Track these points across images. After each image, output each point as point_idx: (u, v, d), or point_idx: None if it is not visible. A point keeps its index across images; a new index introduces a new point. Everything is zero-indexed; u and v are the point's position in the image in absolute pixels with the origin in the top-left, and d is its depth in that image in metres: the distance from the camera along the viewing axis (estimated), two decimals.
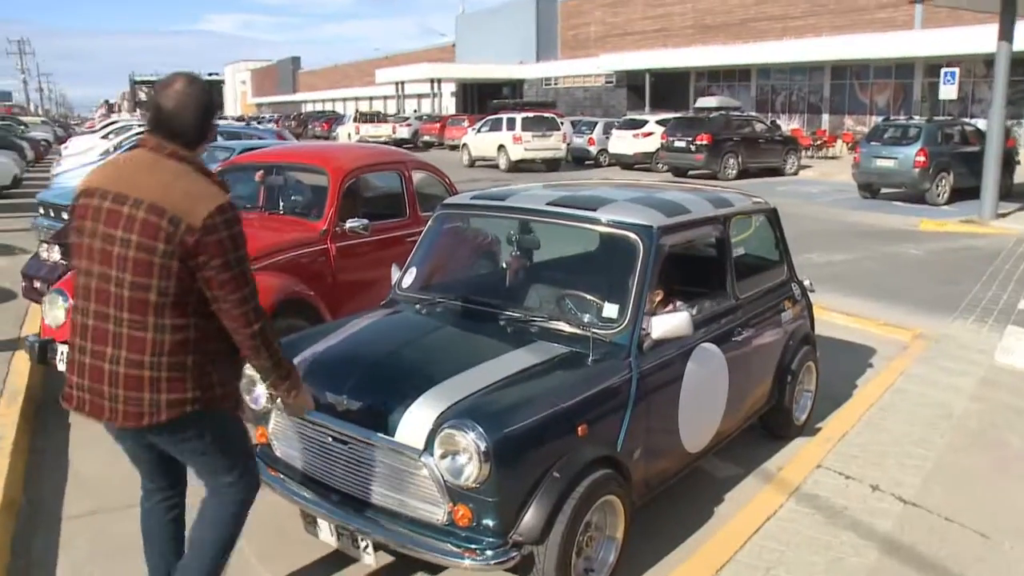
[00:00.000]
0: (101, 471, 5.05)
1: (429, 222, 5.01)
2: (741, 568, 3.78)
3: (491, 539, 3.31)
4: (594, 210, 4.40)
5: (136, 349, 2.78)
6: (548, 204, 4.56)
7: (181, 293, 2.77)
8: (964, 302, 9.11)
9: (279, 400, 3.34)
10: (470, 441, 3.21)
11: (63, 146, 27.25)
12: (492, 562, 3.27)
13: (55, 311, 5.78)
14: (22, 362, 6.53)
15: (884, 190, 19.81)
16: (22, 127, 38.85)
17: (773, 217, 5.59)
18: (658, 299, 4.36)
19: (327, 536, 3.72)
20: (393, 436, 3.43)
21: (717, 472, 5.07)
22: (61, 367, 5.52)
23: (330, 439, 3.67)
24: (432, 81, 54.72)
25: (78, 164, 16.41)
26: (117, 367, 2.80)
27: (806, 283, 5.84)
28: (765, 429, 5.48)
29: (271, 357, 2.97)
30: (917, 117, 22.67)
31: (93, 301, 2.82)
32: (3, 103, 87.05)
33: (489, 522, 3.31)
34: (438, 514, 3.39)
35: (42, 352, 5.57)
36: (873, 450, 5.09)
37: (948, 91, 21.00)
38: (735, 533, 4.10)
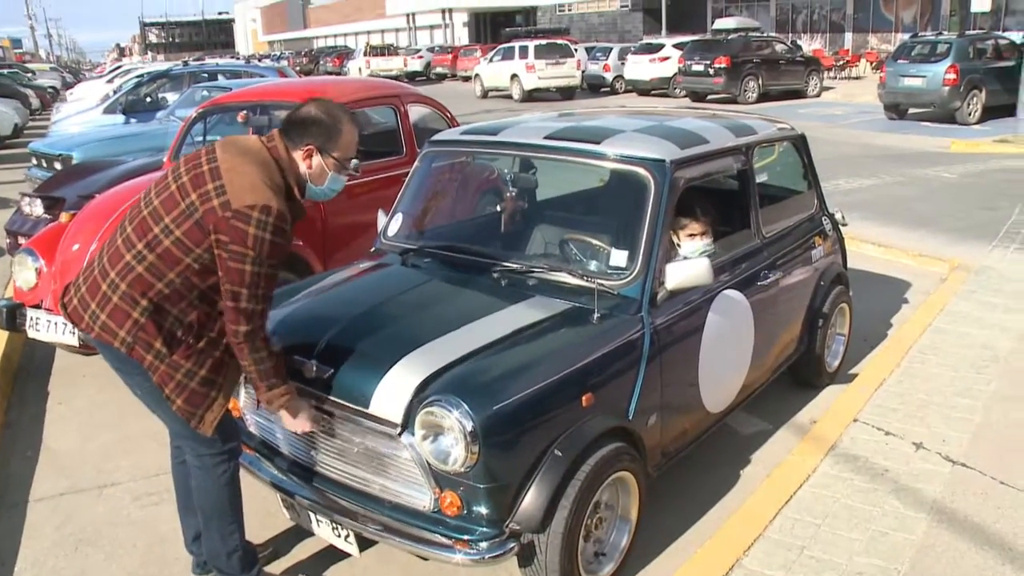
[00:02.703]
0: (75, 447, 4.70)
1: (416, 161, 4.51)
2: (771, 547, 3.35)
3: (485, 528, 2.89)
4: (598, 143, 3.88)
5: (112, 262, 2.83)
6: (546, 138, 4.05)
7: (180, 249, 2.75)
8: (1003, 229, 8.55)
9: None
10: (454, 420, 2.77)
11: (69, 92, 26.69)
12: (487, 556, 2.85)
13: (25, 272, 5.37)
14: None
15: (912, 110, 18.99)
16: (29, 75, 38.23)
17: (801, 144, 5.04)
18: (698, 232, 3.90)
19: (306, 522, 3.33)
20: (367, 408, 2.99)
21: (742, 428, 4.63)
22: (32, 333, 5.14)
23: None
24: (444, 11, 53.57)
25: (75, 111, 15.90)
26: (95, 269, 2.87)
27: (837, 216, 5.32)
28: (795, 378, 5.02)
29: (253, 365, 2.86)
30: (946, 32, 21.63)
31: (132, 227, 2.85)
32: (15, 51, 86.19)
33: (482, 510, 2.88)
34: (424, 500, 2.97)
35: (10, 317, 5.16)
36: (914, 400, 4.62)
37: (980, 3, 20.01)
38: (764, 504, 3.67)
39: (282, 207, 2.74)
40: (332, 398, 3.08)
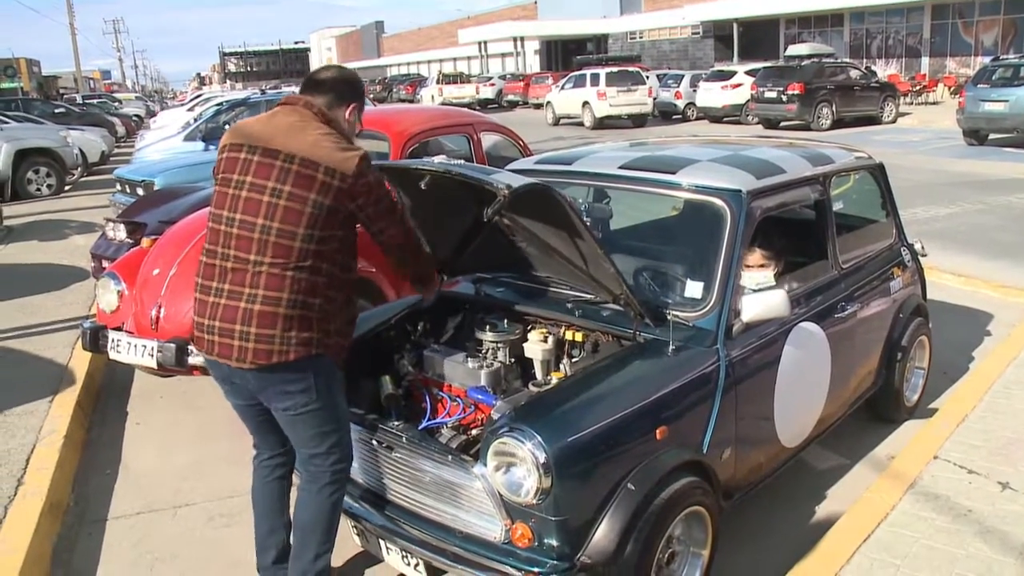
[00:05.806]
0: (153, 466, 4.81)
1: None
2: None
3: (556, 561, 2.85)
4: (673, 173, 3.86)
5: (274, 287, 2.88)
6: (620, 168, 4.04)
7: (323, 240, 2.92)
8: None
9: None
10: (527, 451, 2.76)
11: (152, 120, 27.53)
12: None
13: (108, 295, 5.52)
14: None
15: (993, 136, 18.49)
16: (116, 104, 39.61)
17: (879, 173, 4.95)
18: (755, 264, 3.86)
19: (376, 549, 3.35)
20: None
21: (818, 463, 4.53)
22: (113, 355, 5.26)
23: (375, 443, 3.28)
24: (515, 40, 53.87)
25: (158, 139, 16.37)
26: (253, 305, 2.88)
27: (917, 246, 5.20)
28: (872, 412, 4.90)
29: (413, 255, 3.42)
30: None
31: (233, 247, 2.93)
32: (105, 81, 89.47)
33: (553, 542, 2.85)
34: (495, 531, 2.96)
35: (93, 339, 5.30)
36: (998, 437, 4.46)
37: None
38: (841, 542, 3.56)
39: (364, 150, 3.00)
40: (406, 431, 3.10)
